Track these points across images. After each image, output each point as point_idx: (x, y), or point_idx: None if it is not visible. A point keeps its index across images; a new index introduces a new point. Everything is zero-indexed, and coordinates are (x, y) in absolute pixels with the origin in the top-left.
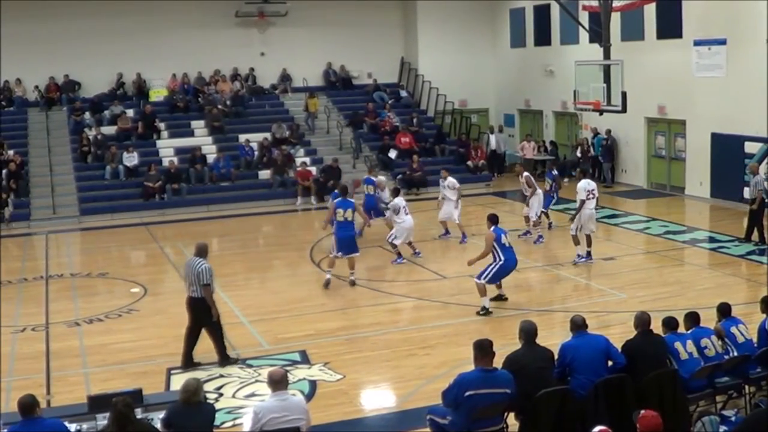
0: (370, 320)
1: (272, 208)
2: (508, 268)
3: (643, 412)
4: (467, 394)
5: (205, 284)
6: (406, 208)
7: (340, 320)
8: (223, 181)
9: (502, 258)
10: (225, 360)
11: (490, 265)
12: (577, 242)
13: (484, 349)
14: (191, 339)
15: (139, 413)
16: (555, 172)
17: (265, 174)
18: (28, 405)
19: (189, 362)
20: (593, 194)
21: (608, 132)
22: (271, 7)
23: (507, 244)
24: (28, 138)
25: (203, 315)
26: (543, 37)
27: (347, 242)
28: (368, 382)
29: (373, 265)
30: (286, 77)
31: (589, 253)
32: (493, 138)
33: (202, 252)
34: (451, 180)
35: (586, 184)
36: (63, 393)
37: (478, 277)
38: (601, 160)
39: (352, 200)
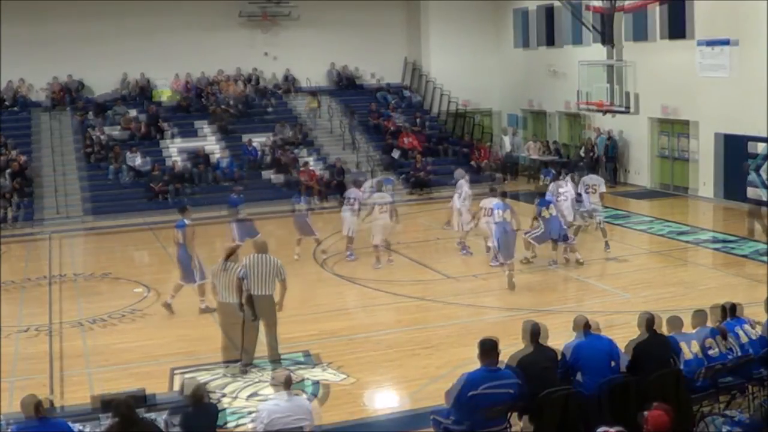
0: (374, 320)
1: (276, 208)
2: (549, 234)
3: (653, 406)
4: (471, 393)
5: (283, 279)
6: (349, 200)
7: (343, 321)
8: (227, 182)
9: (542, 226)
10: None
11: (535, 229)
12: (604, 234)
13: (489, 349)
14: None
15: (142, 413)
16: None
17: (269, 174)
18: (32, 405)
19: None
20: (566, 196)
21: (609, 132)
22: (275, 8)
23: (547, 216)
24: (32, 138)
25: (267, 311)
26: (548, 38)
27: (181, 266)
28: (372, 382)
29: (375, 265)
30: (290, 78)
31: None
32: (507, 140)
33: (265, 248)
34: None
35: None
36: (67, 393)
37: (526, 232)
38: (605, 160)
39: (185, 221)
